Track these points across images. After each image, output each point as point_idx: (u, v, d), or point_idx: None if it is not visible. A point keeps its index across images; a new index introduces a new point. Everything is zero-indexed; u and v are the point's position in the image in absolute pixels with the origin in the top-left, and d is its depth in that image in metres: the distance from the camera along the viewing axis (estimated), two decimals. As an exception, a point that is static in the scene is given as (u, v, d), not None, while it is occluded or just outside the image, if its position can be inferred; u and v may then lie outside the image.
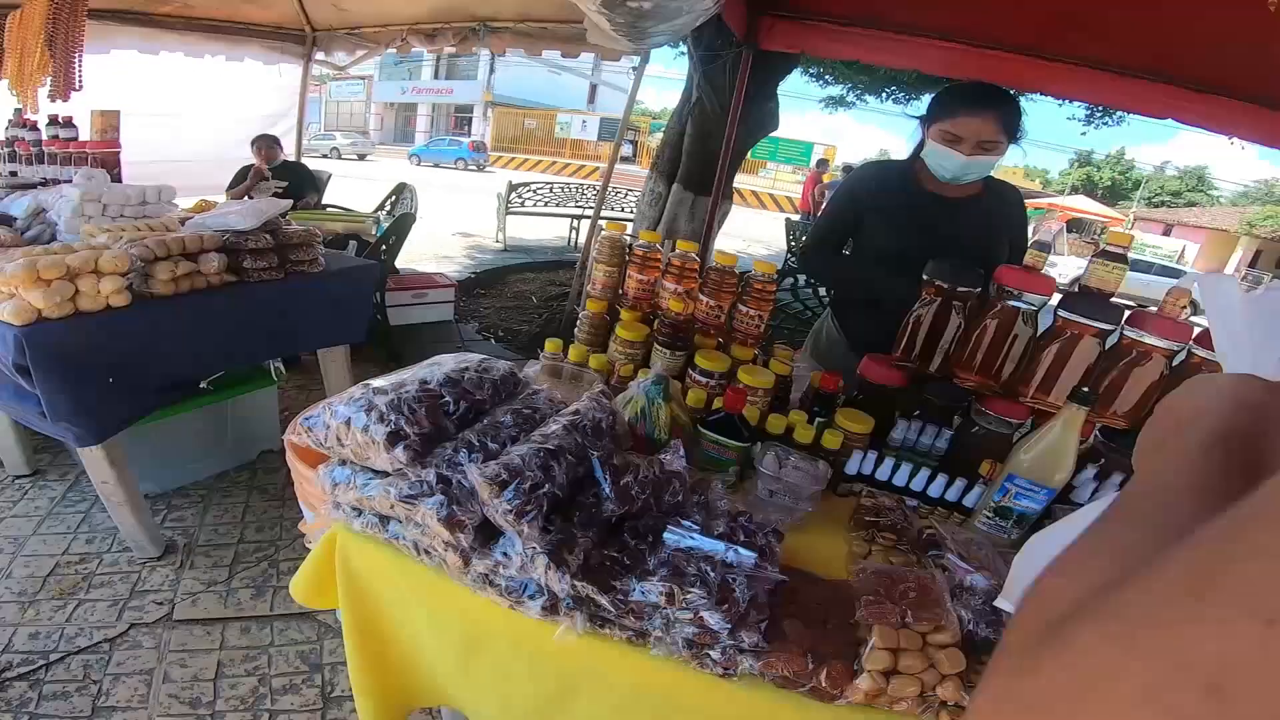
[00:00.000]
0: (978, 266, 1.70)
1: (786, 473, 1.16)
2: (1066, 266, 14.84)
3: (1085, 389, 1.01)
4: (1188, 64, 2.55)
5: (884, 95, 7.97)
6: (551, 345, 1.46)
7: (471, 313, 5.79)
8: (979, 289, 1.19)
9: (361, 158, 22.53)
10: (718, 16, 3.41)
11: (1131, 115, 5.84)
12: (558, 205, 8.58)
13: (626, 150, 26.62)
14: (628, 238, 1.52)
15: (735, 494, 1.17)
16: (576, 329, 1.60)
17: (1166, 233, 26.37)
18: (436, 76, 31.17)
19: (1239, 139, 3.01)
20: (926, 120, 1.66)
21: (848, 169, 12.49)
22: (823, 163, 12.21)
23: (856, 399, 1.38)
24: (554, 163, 23.26)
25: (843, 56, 5.47)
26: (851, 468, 1.29)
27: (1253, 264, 23.99)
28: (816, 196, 10.48)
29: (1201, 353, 1.12)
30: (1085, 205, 26.36)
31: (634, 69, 5.05)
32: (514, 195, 8.17)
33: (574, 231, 8.42)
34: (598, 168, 21.96)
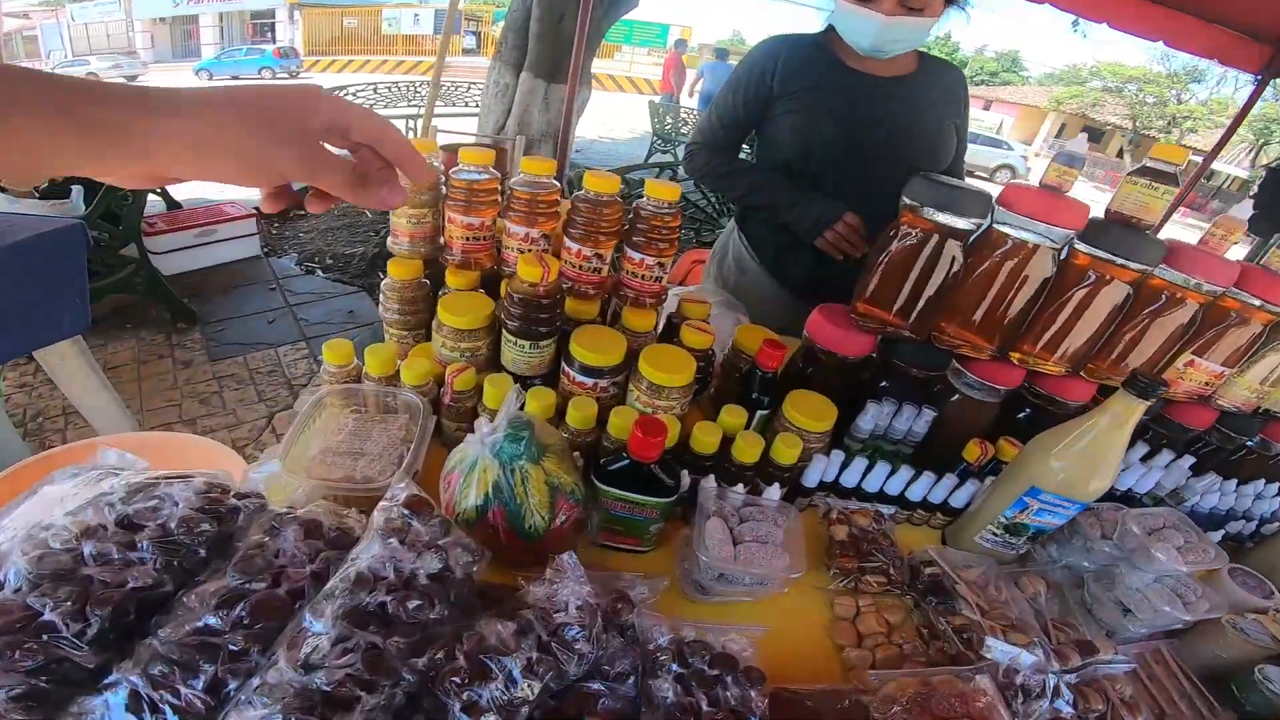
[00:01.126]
0: (927, 162, 1.33)
1: (744, 554, 0.75)
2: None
3: (1142, 378, 0.69)
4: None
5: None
6: (336, 353, 0.91)
7: (287, 241, 4.73)
8: (987, 220, 0.81)
9: (131, 80, 17.90)
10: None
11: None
12: (387, 106, 7.25)
13: (469, 42, 24.15)
14: (436, 163, 0.96)
15: (665, 587, 0.72)
16: (381, 307, 1.05)
17: (987, 108, 28.85)
18: (221, -20, 25.41)
19: (1102, 23, 2.99)
20: None
21: (720, 53, 11.89)
22: (680, 43, 11.39)
23: (806, 373, 0.99)
24: (385, 62, 20.69)
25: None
26: (812, 478, 0.92)
27: (1058, 135, 26.96)
28: (676, 80, 10.01)
29: (1244, 297, 0.84)
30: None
31: None
32: (329, 98, 6.75)
33: (411, 134, 7.19)
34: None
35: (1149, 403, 0.69)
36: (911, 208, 0.80)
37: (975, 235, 0.80)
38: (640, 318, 0.95)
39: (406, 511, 0.60)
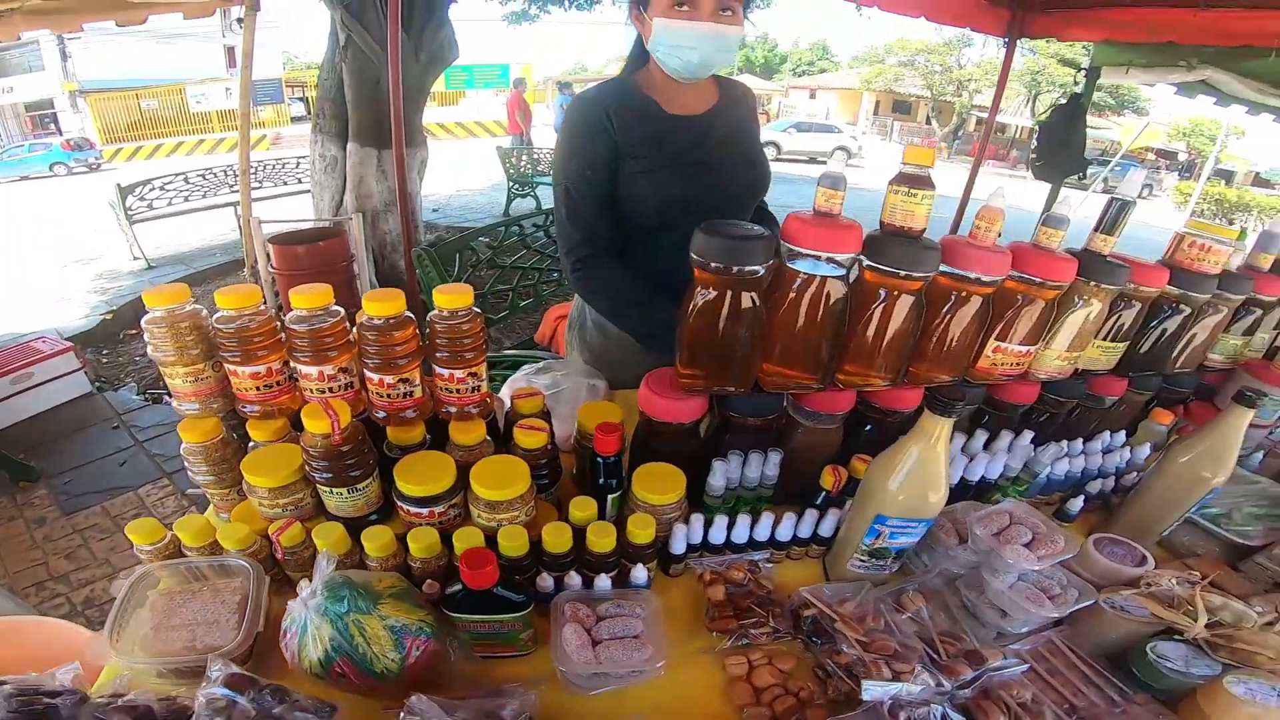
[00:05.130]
0: (757, 188, 1.34)
1: (604, 654, 0.72)
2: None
3: (939, 396, 0.73)
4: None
5: (567, 3, 7.52)
6: (142, 534, 0.82)
7: (121, 370, 4.23)
8: (773, 259, 0.81)
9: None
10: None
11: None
12: (206, 196, 6.64)
13: (297, 109, 22.98)
14: (195, 307, 0.84)
15: (540, 680, 0.71)
16: (189, 472, 0.92)
17: (812, 96, 31.43)
18: (-22, 76, 22.60)
19: (873, 8, 3.30)
20: (641, 3, 1.20)
21: (563, 87, 12.01)
22: (519, 81, 11.43)
23: (651, 444, 0.96)
24: (201, 141, 19.00)
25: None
26: (678, 546, 0.90)
27: (875, 112, 29.81)
28: (522, 119, 10.03)
29: (1024, 277, 0.90)
30: (751, 82, 29.73)
31: (239, 21, 3.84)
32: (133, 199, 6.08)
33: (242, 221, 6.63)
34: (265, 135, 18.49)
35: (953, 419, 0.72)
36: (700, 264, 0.80)
37: (767, 276, 0.81)
38: (466, 433, 0.89)
39: (229, 691, 0.62)
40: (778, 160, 17.29)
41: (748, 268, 0.78)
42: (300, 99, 23.37)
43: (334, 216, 4.42)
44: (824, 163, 17.47)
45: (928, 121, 26.92)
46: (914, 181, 0.80)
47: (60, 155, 17.20)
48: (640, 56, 1.32)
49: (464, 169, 11.83)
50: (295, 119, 22.64)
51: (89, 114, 21.17)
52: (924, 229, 0.83)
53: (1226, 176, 23.02)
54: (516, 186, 7.68)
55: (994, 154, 19.89)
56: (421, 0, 4.04)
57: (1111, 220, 0.97)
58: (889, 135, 27.82)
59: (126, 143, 20.09)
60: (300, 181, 6.74)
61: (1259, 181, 24.17)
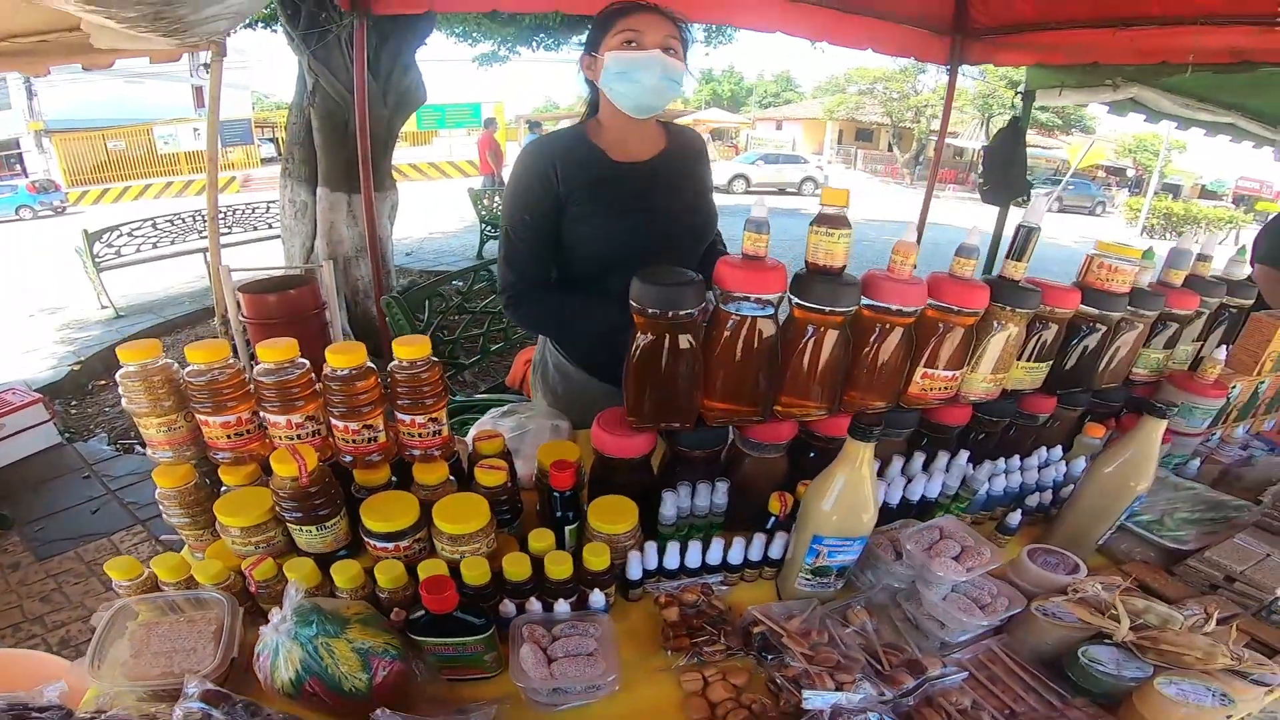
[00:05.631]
0: (702, 233, 1.41)
1: (559, 671, 0.77)
2: (721, 174, 17.00)
3: (859, 422, 0.80)
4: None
5: (535, 44, 7.71)
6: (120, 570, 0.87)
7: (91, 420, 4.17)
8: (706, 305, 0.88)
9: None
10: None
11: (741, 31, 6.50)
12: (175, 243, 6.59)
13: (267, 150, 22.84)
14: (166, 361, 0.88)
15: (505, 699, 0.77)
16: (164, 515, 0.96)
17: (779, 127, 32.25)
18: (-60, 115, 22.08)
19: (823, 42, 3.46)
20: (592, 45, 1.30)
21: (533, 125, 12.13)
22: (490, 121, 11.61)
23: (606, 478, 1.01)
24: (169, 184, 18.66)
25: (473, 8, 4.96)
26: (634, 572, 0.95)
27: (839, 141, 30.71)
28: (493, 159, 10.10)
29: (942, 306, 0.98)
30: (719, 116, 30.56)
31: (205, 65, 3.91)
32: (100, 246, 6.03)
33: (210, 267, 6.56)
34: (234, 177, 18.28)
35: (872, 443, 0.79)
36: (638, 310, 0.86)
37: (701, 318, 0.88)
38: (429, 473, 0.94)
39: (204, 705, 0.65)
40: (748, 192, 17.71)
41: (682, 311, 0.85)
42: (270, 140, 23.14)
43: (305, 263, 4.43)
44: (793, 194, 17.96)
45: (889, 148, 27.79)
46: (832, 221, 0.88)
47: (26, 198, 16.70)
48: (591, 106, 1.39)
49: (437, 211, 11.84)
50: (265, 160, 22.37)
51: (54, 154, 20.74)
52: (844, 265, 0.91)
53: (1174, 190, 24.03)
54: (489, 228, 7.71)
55: (953, 178, 20.55)
56: (388, 44, 4.11)
57: (1020, 246, 1.05)
58: (853, 163, 28.59)
59: (92, 185, 19.55)
60: (270, 226, 6.72)
61: (1205, 193, 25.25)
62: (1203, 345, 1.43)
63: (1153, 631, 0.88)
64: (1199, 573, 1.10)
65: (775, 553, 1.00)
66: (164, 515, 0.97)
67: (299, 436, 0.89)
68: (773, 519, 1.01)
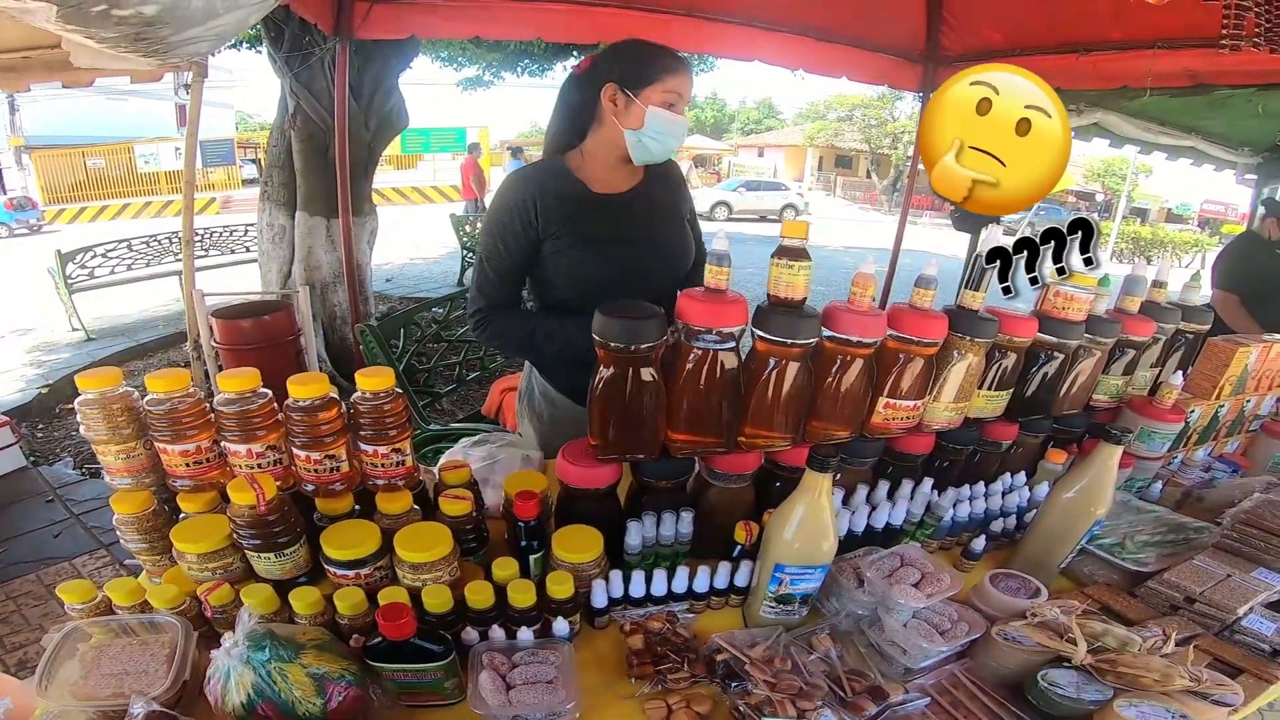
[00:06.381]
0: (681, 262, 1.42)
1: (517, 698, 0.77)
2: (703, 201, 17.20)
3: (816, 454, 0.82)
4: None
5: (520, 70, 7.81)
6: (74, 594, 0.87)
7: (57, 444, 4.08)
8: (669, 335, 0.90)
9: None
10: (285, 9, 2.72)
11: (721, 59, 6.65)
12: (150, 264, 6.50)
13: (249, 171, 22.66)
14: (126, 390, 0.87)
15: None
16: (122, 541, 0.94)
17: (761, 154, 32.87)
18: (-81, 130, 21.70)
19: (800, 70, 3.56)
20: (629, 83, 1.26)
21: (515, 151, 12.20)
22: (474, 146, 11.70)
23: (571, 511, 1.02)
24: (148, 204, 18.42)
25: (457, 35, 5.00)
26: (599, 600, 0.95)
27: (820, 168, 31.35)
28: (476, 185, 10.20)
29: (902, 337, 1.00)
30: (702, 143, 31.06)
31: (185, 85, 3.90)
32: (73, 266, 5.93)
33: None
34: (215, 198, 18.11)
35: (831, 474, 0.81)
36: (601, 344, 0.88)
37: (662, 351, 0.89)
38: (392, 503, 0.94)
39: None
40: (730, 220, 17.83)
41: (644, 345, 0.86)
42: (253, 160, 22.81)
43: (282, 288, 4.39)
44: (774, 220, 18.16)
45: (868, 175, 28.39)
46: (792, 254, 0.91)
47: (2, 215, 16.39)
48: (570, 133, 1.38)
49: (419, 236, 11.72)
50: (247, 181, 22.06)
51: (32, 171, 20.36)
52: (805, 298, 0.93)
53: (1141, 214, 24.68)
54: (470, 255, 7.68)
55: (929, 204, 21.01)
56: (371, 68, 4.12)
57: (977, 277, 1.08)
58: (833, 190, 29.12)
59: (70, 203, 19.20)
60: (248, 250, 6.64)
61: (1171, 217, 25.91)
62: (1160, 370, 1.47)
63: (1111, 654, 0.89)
64: (1160, 594, 1.11)
65: (741, 581, 1.00)
66: (122, 540, 0.96)
67: (260, 465, 0.88)
68: (738, 547, 1.02)
